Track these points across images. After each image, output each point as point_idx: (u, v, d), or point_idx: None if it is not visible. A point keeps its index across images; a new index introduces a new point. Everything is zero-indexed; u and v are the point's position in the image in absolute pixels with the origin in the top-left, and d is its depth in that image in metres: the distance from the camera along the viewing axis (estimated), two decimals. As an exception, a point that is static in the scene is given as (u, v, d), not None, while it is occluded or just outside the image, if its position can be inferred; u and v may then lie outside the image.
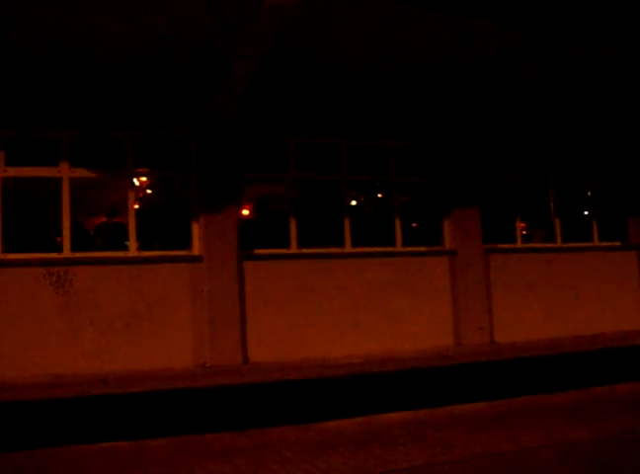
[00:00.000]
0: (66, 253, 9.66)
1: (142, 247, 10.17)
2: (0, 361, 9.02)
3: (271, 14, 8.21)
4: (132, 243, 10.09)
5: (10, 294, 9.31)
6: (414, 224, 12.34)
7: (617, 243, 13.38)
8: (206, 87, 10.06)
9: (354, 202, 12.40)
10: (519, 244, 12.49)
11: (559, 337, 11.78)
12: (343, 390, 8.85)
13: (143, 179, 10.48)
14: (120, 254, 10.07)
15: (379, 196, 13.37)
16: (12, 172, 9.61)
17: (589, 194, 13.53)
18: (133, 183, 10.18)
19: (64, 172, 9.81)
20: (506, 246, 12.31)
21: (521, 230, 12.64)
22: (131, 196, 10.11)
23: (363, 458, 6.55)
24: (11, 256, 9.45)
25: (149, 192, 11.29)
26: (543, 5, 9.32)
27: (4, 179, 9.57)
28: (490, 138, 12.18)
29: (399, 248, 11.50)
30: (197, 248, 10.27)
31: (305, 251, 10.82)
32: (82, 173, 9.91)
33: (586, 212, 13.61)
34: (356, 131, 11.32)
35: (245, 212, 10.85)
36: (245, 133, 10.63)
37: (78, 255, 9.72)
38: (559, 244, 12.81)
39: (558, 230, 12.86)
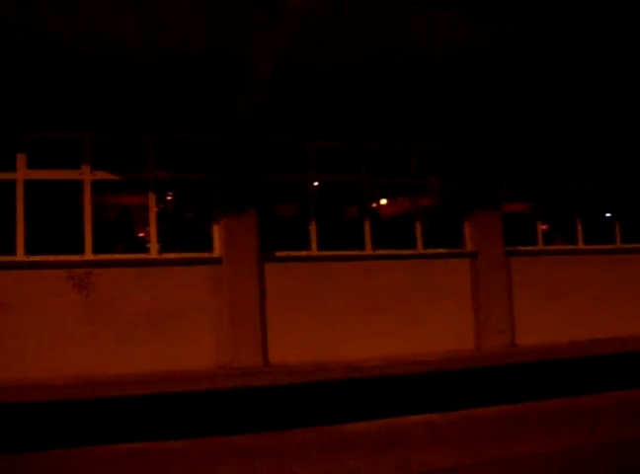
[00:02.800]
0: (88, 255, 9.72)
1: (163, 249, 10.21)
2: (21, 362, 9.09)
3: (292, 16, 8.22)
4: (154, 245, 10.13)
5: (33, 296, 9.37)
6: (434, 226, 12.28)
7: (640, 245, 13.26)
8: (227, 90, 10.08)
9: (374, 204, 12.38)
10: (540, 246, 12.39)
11: (581, 340, 11.66)
12: (363, 392, 8.84)
13: (164, 181, 10.48)
14: (142, 256, 10.11)
15: (400, 197, 13.34)
16: (34, 174, 9.67)
17: (611, 195, 13.40)
18: (154, 185, 10.20)
19: (86, 174, 9.87)
20: (527, 248, 12.22)
21: (543, 232, 12.54)
22: (152, 198, 10.15)
23: (384, 460, 6.55)
24: (34, 258, 9.51)
25: (170, 194, 11.31)
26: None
27: (26, 181, 9.65)
28: (510, 140, 12.11)
29: (420, 250, 11.45)
30: (217, 250, 10.29)
31: (326, 253, 10.81)
32: (103, 175, 9.97)
33: (608, 214, 13.50)
34: (376, 133, 11.29)
35: (266, 214, 10.82)
36: (265, 136, 10.63)
37: (100, 257, 9.76)
38: (581, 246, 12.71)
39: (580, 232, 12.76)
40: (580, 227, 12.77)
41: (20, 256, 9.48)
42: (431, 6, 9.00)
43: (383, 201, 13.66)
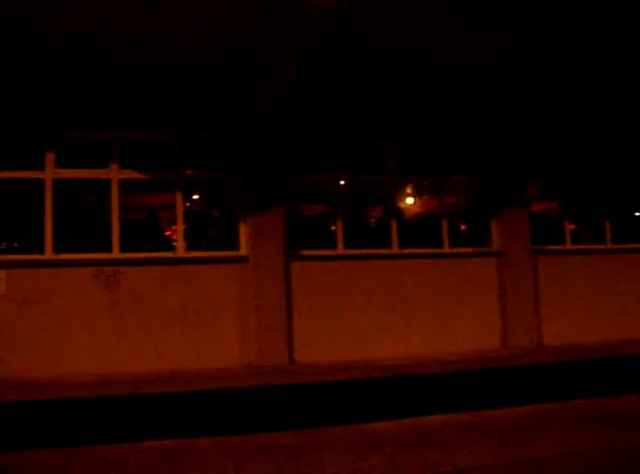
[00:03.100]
0: (115, 253, 9.80)
1: (190, 247, 10.26)
2: (49, 359, 9.21)
3: (316, 14, 8.21)
4: (180, 243, 10.19)
5: (61, 294, 9.47)
6: (461, 225, 12.24)
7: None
8: (252, 88, 10.12)
9: (400, 203, 12.35)
10: (568, 245, 12.29)
11: (610, 340, 11.57)
12: (388, 391, 8.81)
13: (191, 180, 10.52)
14: (169, 254, 10.17)
15: (426, 196, 13.31)
16: (62, 173, 9.77)
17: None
18: (181, 184, 10.25)
19: (113, 173, 9.95)
20: (554, 247, 12.12)
21: (571, 232, 12.43)
22: (179, 197, 10.21)
23: (410, 460, 6.52)
24: (62, 256, 9.60)
25: (196, 193, 11.37)
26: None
27: (55, 180, 9.75)
28: (538, 139, 12.03)
29: (446, 249, 11.40)
30: (244, 249, 10.32)
31: (352, 252, 10.79)
32: (131, 174, 10.04)
33: (638, 214, 13.37)
34: (402, 132, 11.25)
35: (293, 213, 10.84)
36: (291, 135, 10.65)
37: (127, 255, 9.84)
38: (609, 245, 12.58)
39: (608, 231, 12.64)
40: (609, 226, 12.64)
41: (48, 254, 9.57)
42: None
43: (410, 200, 13.66)
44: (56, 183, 9.74)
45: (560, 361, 9.97)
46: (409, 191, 13.35)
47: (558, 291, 11.74)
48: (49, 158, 9.72)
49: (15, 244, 10.16)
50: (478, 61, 10.05)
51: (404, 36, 9.25)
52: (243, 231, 10.37)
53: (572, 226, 12.51)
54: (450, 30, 9.12)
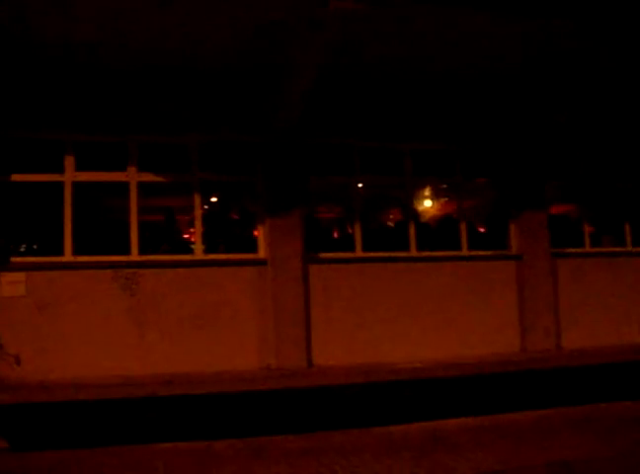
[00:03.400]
0: (134, 255, 9.82)
1: (208, 250, 10.29)
2: (68, 361, 9.24)
3: (334, 17, 8.21)
4: (198, 246, 10.21)
5: (79, 296, 9.49)
6: (480, 228, 12.19)
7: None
8: (271, 90, 10.11)
9: (419, 206, 12.31)
10: (587, 248, 12.19)
11: (631, 343, 11.49)
12: (406, 394, 8.82)
13: (209, 183, 10.55)
14: (187, 257, 10.18)
15: (445, 199, 13.27)
16: (82, 176, 9.82)
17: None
18: (199, 187, 10.28)
19: (132, 176, 9.98)
20: (574, 250, 12.03)
21: (590, 234, 12.34)
22: (197, 199, 10.24)
23: (427, 463, 6.53)
24: (81, 258, 9.65)
25: (214, 195, 11.39)
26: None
27: (74, 183, 9.81)
28: (557, 141, 11.97)
29: (464, 252, 11.34)
30: (262, 251, 10.31)
31: (370, 254, 10.75)
32: (149, 177, 10.07)
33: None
34: (420, 134, 11.22)
35: (311, 215, 10.84)
36: (309, 137, 10.63)
37: (145, 257, 9.86)
38: (629, 248, 12.48)
39: (628, 234, 12.54)
40: (628, 229, 12.54)
41: (67, 256, 9.61)
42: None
43: (428, 203, 13.62)
44: (75, 185, 9.78)
45: (579, 365, 9.92)
46: (427, 193, 13.30)
47: (577, 294, 11.65)
48: (69, 161, 9.76)
49: (34, 246, 10.23)
50: (499, 63, 10.01)
51: (424, 39, 9.24)
52: (261, 233, 10.36)
53: (591, 229, 12.41)
54: (477, 32, 9.08)
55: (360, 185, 11.11)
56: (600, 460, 6.55)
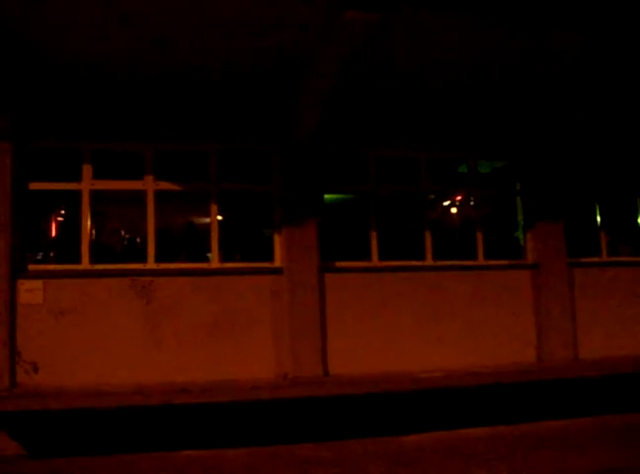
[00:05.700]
0: (151, 264, 9.86)
1: (224, 259, 10.30)
2: (84, 369, 9.28)
3: (349, 26, 8.23)
4: (215, 255, 10.22)
5: (97, 304, 9.54)
6: (495, 237, 12.14)
7: None
8: (287, 100, 10.14)
9: (435, 215, 12.28)
10: (604, 257, 12.13)
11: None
12: (422, 404, 8.79)
13: (225, 192, 10.57)
14: (203, 265, 10.21)
15: (461, 208, 13.24)
16: (99, 185, 9.88)
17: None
18: (216, 195, 10.30)
19: (149, 185, 10.02)
20: (591, 259, 11.96)
21: (607, 243, 12.26)
22: (214, 208, 10.27)
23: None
24: (98, 266, 9.70)
25: (231, 204, 11.41)
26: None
27: (92, 191, 9.86)
28: (573, 150, 11.92)
29: (480, 261, 11.31)
30: (278, 260, 10.32)
31: (386, 264, 10.74)
32: (166, 186, 10.11)
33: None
34: (436, 144, 11.22)
35: (327, 224, 10.83)
36: (325, 146, 10.65)
37: (162, 266, 9.90)
38: (647, 258, 12.41)
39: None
40: (646, 239, 12.48)
41: (84, 264, 9.67)
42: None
43: (445, 212, 13.60)
44: (93, 194, 9.83)
45: (596, 376, 9.86)
46: (444, 203, 13.29)
47: (595, 304, 11.56)
48: (86, 169, 9.82)
49: (51, 254, 10.29)
50: (509, 73, 10.03)
51: (439, 49, 9.27)
52: (278, 242, 10.37)
53: (608, 237, 12.33)
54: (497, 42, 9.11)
55: (375, 193, 11.09)
56: (616, 470, 6.52)
